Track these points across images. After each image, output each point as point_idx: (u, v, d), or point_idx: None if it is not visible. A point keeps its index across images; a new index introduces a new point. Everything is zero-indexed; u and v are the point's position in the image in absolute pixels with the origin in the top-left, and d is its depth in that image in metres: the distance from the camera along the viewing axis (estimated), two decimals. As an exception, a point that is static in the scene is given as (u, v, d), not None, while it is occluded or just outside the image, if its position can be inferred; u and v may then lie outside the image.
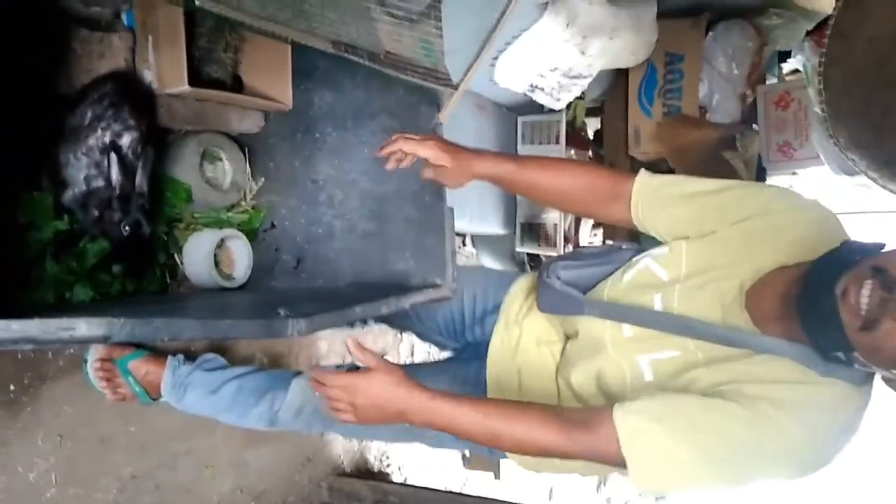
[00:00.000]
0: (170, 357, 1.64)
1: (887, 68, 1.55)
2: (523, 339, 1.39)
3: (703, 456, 1.02)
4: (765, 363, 1.05)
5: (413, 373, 1.27)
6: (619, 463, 1.04)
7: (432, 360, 1.66)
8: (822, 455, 1.02)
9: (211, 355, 1.68)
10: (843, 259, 0.96)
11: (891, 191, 1.62)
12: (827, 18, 1.60)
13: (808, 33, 2.07)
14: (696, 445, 1.02)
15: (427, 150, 1.24)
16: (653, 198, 1.23)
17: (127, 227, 1.29)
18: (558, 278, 1.28)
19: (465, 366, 1.44)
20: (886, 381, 1.01)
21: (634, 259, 1.27)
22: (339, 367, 1.39)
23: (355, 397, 1.11)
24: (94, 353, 1.58)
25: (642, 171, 1.26)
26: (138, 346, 1.67)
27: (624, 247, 1.34)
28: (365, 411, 1.12)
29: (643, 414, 1.04)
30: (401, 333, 2.81)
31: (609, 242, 1.40)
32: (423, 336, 1.67)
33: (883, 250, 0.96)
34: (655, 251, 1.24)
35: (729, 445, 1.01)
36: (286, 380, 1.54)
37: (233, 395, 1.56)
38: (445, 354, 1.69)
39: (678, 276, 1.16)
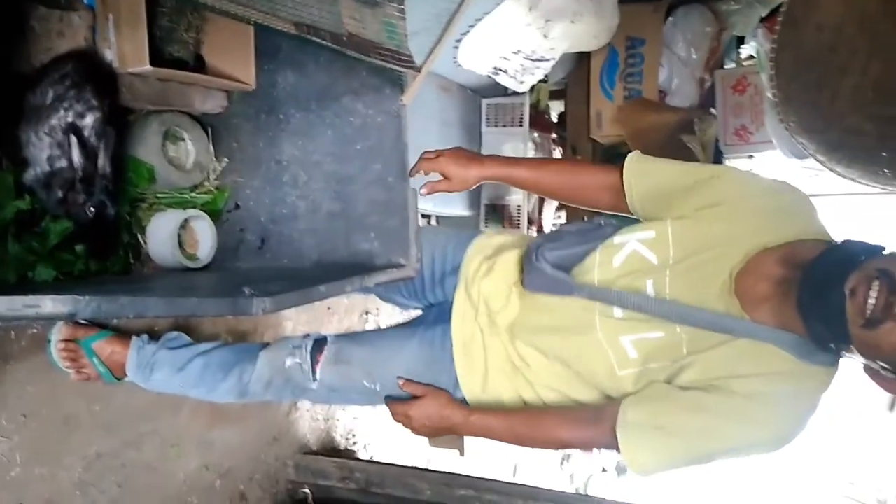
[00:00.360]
0: (134, 337, 1.64)
1: (836, 55, 1.60)
2: (482, 301, 1.42)
3: (693, 451, 1.16)
4: (748, 350, 1.12)
5: (382, 337, 1.51)
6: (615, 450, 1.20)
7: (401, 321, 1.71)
8: (796, 435, 1.13)
9: (175, 333, 1.69)
10: (849, 258, 1.03)
11: (838, 174, 1.68)
12: (779, 6, 1.65)
13: (762, 20, 2.13)
14: (686, 441, 1.16)
15: (439, 165, 1.43)
16: (641, 168, 1.32)
17: (92, 209, 1.29)
18: (547, 261, 1.31)
19: (430, 329, 1.47)
20: (868, 370, 1.08)
21: (617, 241, 1.30)
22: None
23: (411, 421, 1.40)
24: (58, 334, 1.57)
25: (627, 162, 1.34)
26: (102, 326, 1.67)
27: (602, 223, 1.37)
28: (420, 429, 1.41)
29: (639, 424, 1.17)
30: (366, 314, 2.84)
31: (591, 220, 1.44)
32: (385, 298, 1.72)
33: (885, 252, 1.05)
34: (640, 235, 1.27)
35: (715, 439, 1.15)
36: (253, 353, 1.57)
37: (200, 371, 1.57)
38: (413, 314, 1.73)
39: (667, 260, 1.21)
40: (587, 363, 1.26)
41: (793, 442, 1.12)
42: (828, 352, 1.09)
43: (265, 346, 1.59)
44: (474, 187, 1.48)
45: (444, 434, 1.42)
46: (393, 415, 1.44)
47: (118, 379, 1.65)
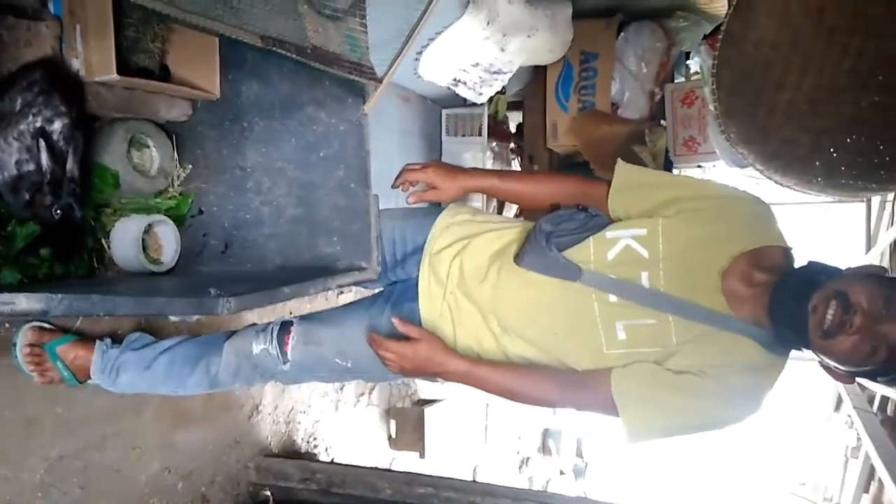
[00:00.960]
0: (98, 341, 1.67)
1: (772, 71, 1.70)
2: (451, 278, 1.48)
3: (677, 422, 1.31)
4: (729, 342, 1.28)
5: (351, 313, 1.54)
6: (607, 414, 1.34)
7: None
8: (760, 410, 1.30)
9: (136, 334, 1.72)
10: (812, 279, 1.22)
11: (775, 182, 1.79)
12: (721, 24, 1.75)
13: (705, 37, 2.23)
14: (673, 416, 1.31)
15: (426, 176, 1.51)
16: (628, 182, 1.42)
17: (58, 211, 1.31)
18: (556, 248, 1.38)
19: (398, 307, 1.51)
20: (822, 365, 1.27)
21: (609, 236, 1.37)
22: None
23: (404, 361, 1.41)
24: (24, 339, 1.60)
25: (618, 168, 1.44)
26: (66, 331, 1.69)
27: (593, 213, 1.44)
28: (409, 369, 1.43)
29: (634, 395, 1.30)
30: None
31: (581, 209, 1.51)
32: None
33: (843, 274, 1.24)
34: (632, 232, 1.36)
35: (697, 416, 1.31)
36: (217, 344, 1.61)
37: (166, 368, 1.61)
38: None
39: (657, 255, 1.32)
40: (576, 339, 1.36)
41: (757, 415, 1.31)
42: (789, 348, 1.29)
43: (229, 335, 1.62)
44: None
45: (427, 377, 1.47)
46: (379, 348, 1.42)
47: (80, 382, 1.67)
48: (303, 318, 1.59)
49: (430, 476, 2.17)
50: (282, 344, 1.52)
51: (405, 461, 3.32)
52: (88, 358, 1.65)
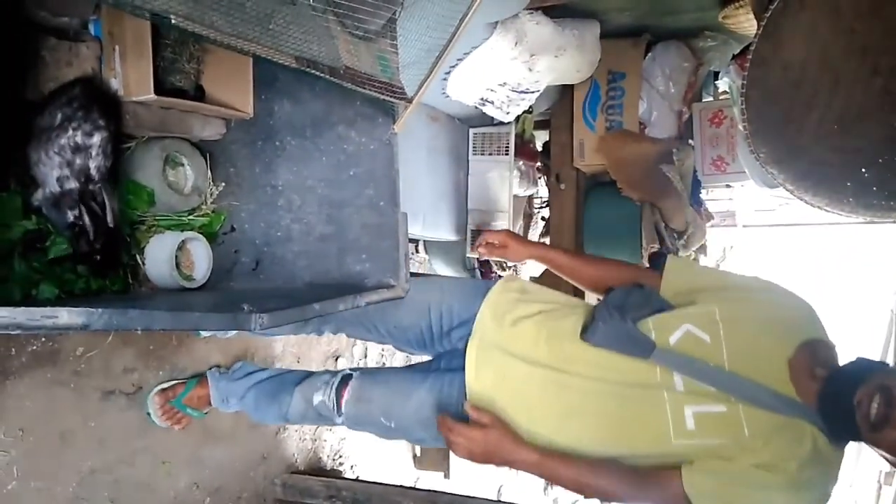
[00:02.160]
0: (208, 374, 1.97)
1: (801, 91, 1.70)
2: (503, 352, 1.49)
3: None
4: (799, 432, 1.28)
5: (400, 375, 1.65)
6: None
7: (408, 362, 1.81)
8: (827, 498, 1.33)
9: (238, 364, 2.02)
10: (857, 375, 1.25)
11: (806, 202, 1.78)
12: (750, 44, 1.75)
13: (734, 57, 2.23)
14: None
15: (501, 237, 1.71)
16: (679, 274, 1.50)
17: (97, 257, 1.42)
18: (632, 321, 1.38)
19: (440, 376, 1.57)
20: (879, 455, 1.28)
21: (671, 324, 1.38)
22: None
23: (472, 446, 1.41)
24: (154, 406, 1.88)
25: (669, 258, 1.55)
26: (181, 380, 1.97)
27: (650, 290, 1.48)
28: (478, 455, 1.42)
29: (711, 494, 1.30)
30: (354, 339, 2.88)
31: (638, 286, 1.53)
32: (397, 348, 1.86)
33: (886, 369, 1.27)
34: (690, 319, 1.39)
35: None
36: (287, 386, 1.77)
37: (254, 401, 1.86)
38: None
39: (720, 342, 1.34)
40: (642, 428, 1.35)
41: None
42: (846, 441, 1.32)
43: (300, 379, 1.77)
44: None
45: (495, 465, 1.44)
46: (450, 432, 1.43)
47: (206, 412, 2.00)
48: (362, 373, 1.69)
49: (455, 494, 2.16)
50: (339, 398, 1.64)
51: (430, 481, 3.30)
52: (207, 393, 1.94)
